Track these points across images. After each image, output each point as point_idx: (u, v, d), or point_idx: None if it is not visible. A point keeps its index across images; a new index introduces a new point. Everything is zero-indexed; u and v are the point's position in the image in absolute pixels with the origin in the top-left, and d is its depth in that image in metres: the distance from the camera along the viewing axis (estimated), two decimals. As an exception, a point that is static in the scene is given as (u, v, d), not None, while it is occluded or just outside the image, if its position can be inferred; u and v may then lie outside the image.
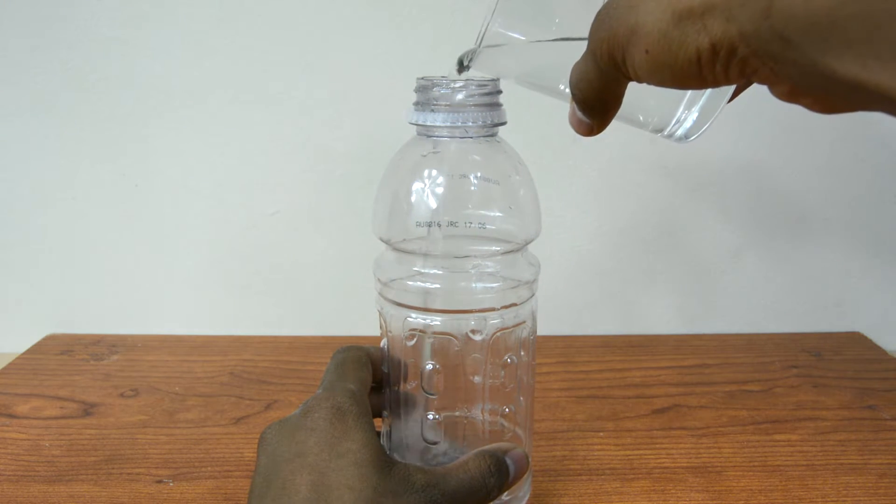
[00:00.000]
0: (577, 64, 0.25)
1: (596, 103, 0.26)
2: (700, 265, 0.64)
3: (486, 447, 0.34)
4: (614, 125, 0.28)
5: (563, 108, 0.59)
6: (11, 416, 0.51)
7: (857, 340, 0.64)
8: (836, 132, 0.60)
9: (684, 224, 0.62)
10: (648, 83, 0.23)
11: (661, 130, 0.29)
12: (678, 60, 0.21)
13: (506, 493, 0.36)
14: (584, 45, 0.24)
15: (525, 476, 0.35)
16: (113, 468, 0.45)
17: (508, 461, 0.33)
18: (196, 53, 0.57)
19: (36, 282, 0.65)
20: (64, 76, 0.58)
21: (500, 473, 0.33)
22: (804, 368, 0.58)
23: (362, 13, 0.56)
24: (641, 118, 0.29)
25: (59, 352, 0.61)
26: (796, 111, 0.65)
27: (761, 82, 0.22)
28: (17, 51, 0.57)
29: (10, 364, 0.59)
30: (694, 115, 0.28)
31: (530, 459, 0.35)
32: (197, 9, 0.56)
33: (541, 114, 0.59)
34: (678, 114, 0.28)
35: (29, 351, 0.62)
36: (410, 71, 0.58)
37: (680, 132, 0.28)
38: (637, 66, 0.22)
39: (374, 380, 0.37)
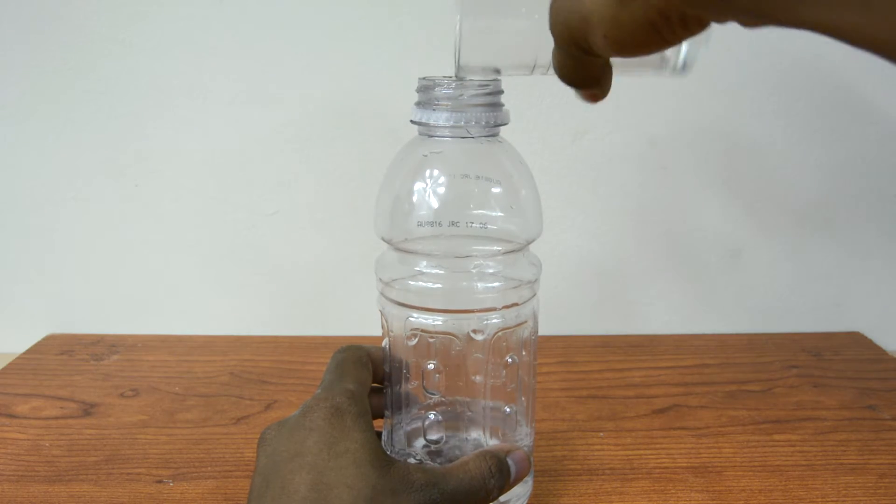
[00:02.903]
0: (553, 52, 0.25)
1: (584, 81, 0.26)
2: (700, 265, 0.64)
3: (488, 448, 0.34)
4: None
5: (562, 107, 0.60)
6: (11, 416, 0.51)
7: (857, 340, 0.64)
8: (836, 132, 0.60)
9: (684, 224, 0.63)
10: (619, 58, 0.24)
11: (659, 72, 0.29)
12: (636, 37, 0.21)
13: (506, 494, 0.36)
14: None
15: (526, 477, 0.35)
16: (113, 468, 0.45)
17: (510, 462, 0.33)
18: (196, 53, 0.57)
19: (36, 282, 0.64)
20: (64, 76, 0.58)
21: (501, 474, 0.33)
22: (804, 368, 0.58)
23: (362, 12, 0.56)
24: (637, 70, 0.29)
25: (59, 352, 0.61)
26: (797, 112, 0.65)
27: (723, 22, 0.22)
28: (18, 51, 0.57)
29: (10, 364, 0.59)
30: (684, 46, 0.28)
31: (532, 460, 0.35)
32: (197, 9, 0.56)
33: (541, 114, 0.59)
34: (667, 53, 0.28)
35: (29, 351, 0.62)
36: (411, 70, 0.58)
37: (677, 68, 0.29)
38: (602, 49, 0.22)
39: (375, 380, 0.37)
